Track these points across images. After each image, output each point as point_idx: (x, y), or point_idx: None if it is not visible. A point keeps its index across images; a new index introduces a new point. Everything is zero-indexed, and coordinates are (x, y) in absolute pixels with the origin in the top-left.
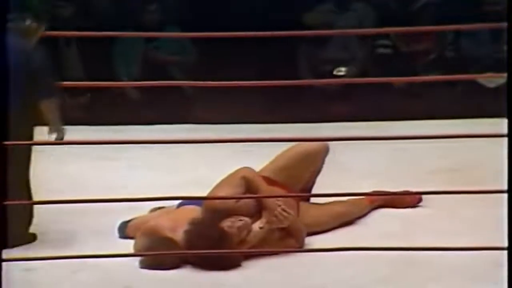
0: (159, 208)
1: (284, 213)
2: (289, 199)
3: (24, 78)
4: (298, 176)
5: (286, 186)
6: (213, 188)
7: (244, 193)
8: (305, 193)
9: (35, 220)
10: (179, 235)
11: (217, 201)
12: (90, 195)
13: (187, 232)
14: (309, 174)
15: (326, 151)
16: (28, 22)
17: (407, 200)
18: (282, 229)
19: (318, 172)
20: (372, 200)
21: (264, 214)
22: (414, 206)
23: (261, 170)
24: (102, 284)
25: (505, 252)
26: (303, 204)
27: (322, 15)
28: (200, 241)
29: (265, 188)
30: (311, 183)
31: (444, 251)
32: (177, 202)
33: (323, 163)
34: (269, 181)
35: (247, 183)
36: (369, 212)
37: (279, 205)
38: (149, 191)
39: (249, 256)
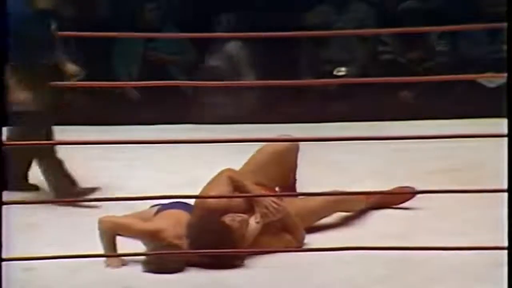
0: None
1: (274, 205)
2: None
3: (26, 42)
4: (273, 175)
5: (263, 186)
6: (202, 190)
7: (233, 191)
8: (289, 190)
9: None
10: (183, 241)
11: (213, 200)
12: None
13: (189, 236)
14: (283, 172)
15: (296, 148)
16: None
17: (399, 197)
18: (277, 224)
19: (293, 169)
20: (369, 198)
21: (256, 209)
22: (406, 202)
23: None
24: (102, 284)
25: (505, 252)
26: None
27: (322, 16)
28: (205, 238)
29: (251, 185)
30: (291, 180)
31: (444, 251)
32: (155, 206)
33: (296, 159)
34: None
35: (233, 182)
36: (366, 211)
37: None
38: (148, 191)
39: (249, 255)
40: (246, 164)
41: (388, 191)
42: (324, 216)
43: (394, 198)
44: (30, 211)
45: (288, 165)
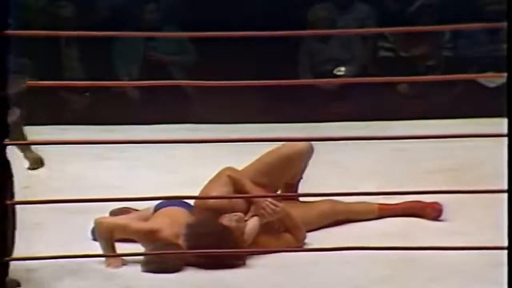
0: (122, 208)
1: (271, 205)
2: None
3: None
4: (278, 180)
5: (266, 187)
6: (202, 189)
7: (232, 191)
8: (291, 191)
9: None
10: (181, 241)
11: (211, 200)
12: (89, 195)
13: (188, 236)
14: (289, 177)
15: (308, 153)
16: None
17: (430, 213)
18: (278, 224)
19: (300, 174)
20: (383, 208)
21: (253, 208)
22: (435, 218)
23: (241, 172)
24: (102, 284)
25: (505, 252)
26: (286, 203)
27: (322, 15)
28: (204, 240)
29: (250, 185)
30: (295, 184)
31: (444, 251)
32: (153, 203)
33: (305, 165)
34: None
35: (233, 181)
36: (379, 218)
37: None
38: (148, 191)
39: (249, 255)
40: (251, 164)
41: (405, 204)
42: (329, 222)
43: (422, 212)
44: (30, 211)
45: (294, 170)
